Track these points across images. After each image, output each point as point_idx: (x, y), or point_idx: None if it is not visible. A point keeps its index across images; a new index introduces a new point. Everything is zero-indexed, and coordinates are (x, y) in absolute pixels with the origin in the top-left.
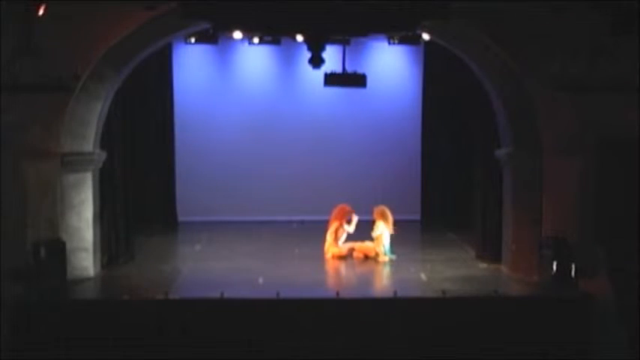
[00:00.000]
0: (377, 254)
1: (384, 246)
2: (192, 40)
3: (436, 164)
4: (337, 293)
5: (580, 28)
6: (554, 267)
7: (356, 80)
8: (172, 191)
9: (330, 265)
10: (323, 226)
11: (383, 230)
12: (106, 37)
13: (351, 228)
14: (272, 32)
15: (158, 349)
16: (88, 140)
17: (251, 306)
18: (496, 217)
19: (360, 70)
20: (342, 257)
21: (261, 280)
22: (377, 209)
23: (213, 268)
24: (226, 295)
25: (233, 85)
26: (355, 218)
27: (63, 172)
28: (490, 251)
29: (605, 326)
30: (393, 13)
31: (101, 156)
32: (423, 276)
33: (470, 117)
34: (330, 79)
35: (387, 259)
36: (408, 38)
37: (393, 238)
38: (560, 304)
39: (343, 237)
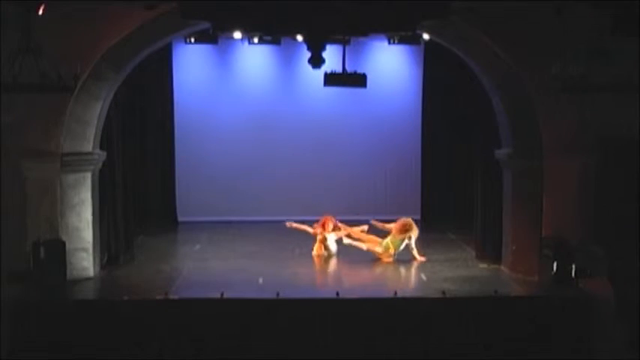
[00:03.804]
0: (381, 254)
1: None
2: (192, 40)
3: (436, 164)
4: (337, 293)
5: (580, 28)
6: (554, 267)
7: (356, 80)
8: (172, 191)
9: (330, 265)
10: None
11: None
12: (106, 37)
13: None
14: (272, 32)
15: (158, 349)
16: (88, 140)
17: (251, 306)
18: (496, 217)
19: (360, 70)
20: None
21: (261, 280)
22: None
23: (213, 268)
24: (226, 295)
25: (233, 85)
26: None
27: (63, 172)
28: (490, 251)
29: (605, 326)
30: (393, 13)
31: (101, 156)
32: (423, 276)
33: (470, 117)
34: (330, 79)
35: (391, 260)
36: (408, 38)
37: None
38: (560, 304)
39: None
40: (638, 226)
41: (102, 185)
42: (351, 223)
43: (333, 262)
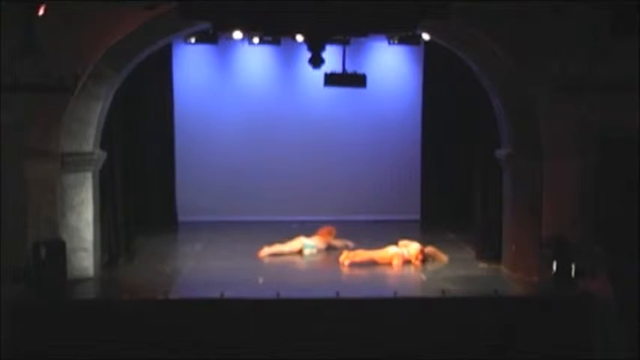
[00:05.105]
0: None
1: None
2: (192, 40)
3: (436, 164)
4: (337, 293)
5: (580, 28)
6: (554, 267)
7: (356, 80)
8: (172, 191)
9: (331, 265)
10: (322, 226)
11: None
12: (106, 37)
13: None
14: (272, 32)
15: (158, 349)
16: (88, 140)
17: (251, 306)
18: (496, 217)
19: (360, 70)
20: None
21: (261, 280)
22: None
23: (213, 268)
24: (226, 295)
25: (233, 85)
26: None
27: (63, 172)
28: (490, 251)
29: (605, 326)
30: (393, 13)
31: (101, 156)
32: (423, 276)
33: (470, 117)
34: (330, 79)
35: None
36: (408, 38)
37: (391, 238)
38: (560, 304)
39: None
40: (638, 226)
41: (102, 185)
42: (352, 224)
43: (333, 262)
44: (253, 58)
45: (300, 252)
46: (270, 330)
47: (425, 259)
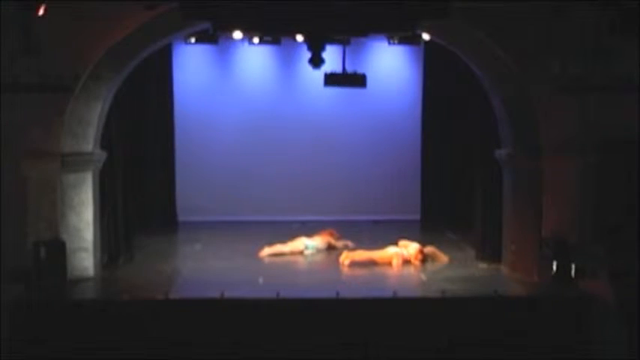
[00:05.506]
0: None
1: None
2: (192, 40)
3: (436, 164)
4: (337, 293)
5: (580, 28)
6: (554, 267)
7: (356, 80)
8: (172, 191)
9: (331, 265)
10: (323, 227)
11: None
12: (106, 37)
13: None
14: (272, 32)
15: (158, 349)
16: (88, 140)
17: (251, 306)
18: (496, 217)
19: (360, 70)
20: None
21: (261, 280)
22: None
23: (213, 268)
24: (226, 295)
25: (233, 85)
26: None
27: (63, 172)
28: (490, 251)
29: (605, 326)
30: (393, 13)
31: (101, 156)
32: (423, 276)
33: (470, 117)
34: (330, 79)
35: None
36: (408, 38)
37: (391, 238)
38: (560, 304)
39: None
40: (638, 226)
41: (102, 185)
42: (352, 224)
43: (333, 262)
44: (253, 58)
45: (301, 252)
46: (270, 330)
47: (425, 259)
